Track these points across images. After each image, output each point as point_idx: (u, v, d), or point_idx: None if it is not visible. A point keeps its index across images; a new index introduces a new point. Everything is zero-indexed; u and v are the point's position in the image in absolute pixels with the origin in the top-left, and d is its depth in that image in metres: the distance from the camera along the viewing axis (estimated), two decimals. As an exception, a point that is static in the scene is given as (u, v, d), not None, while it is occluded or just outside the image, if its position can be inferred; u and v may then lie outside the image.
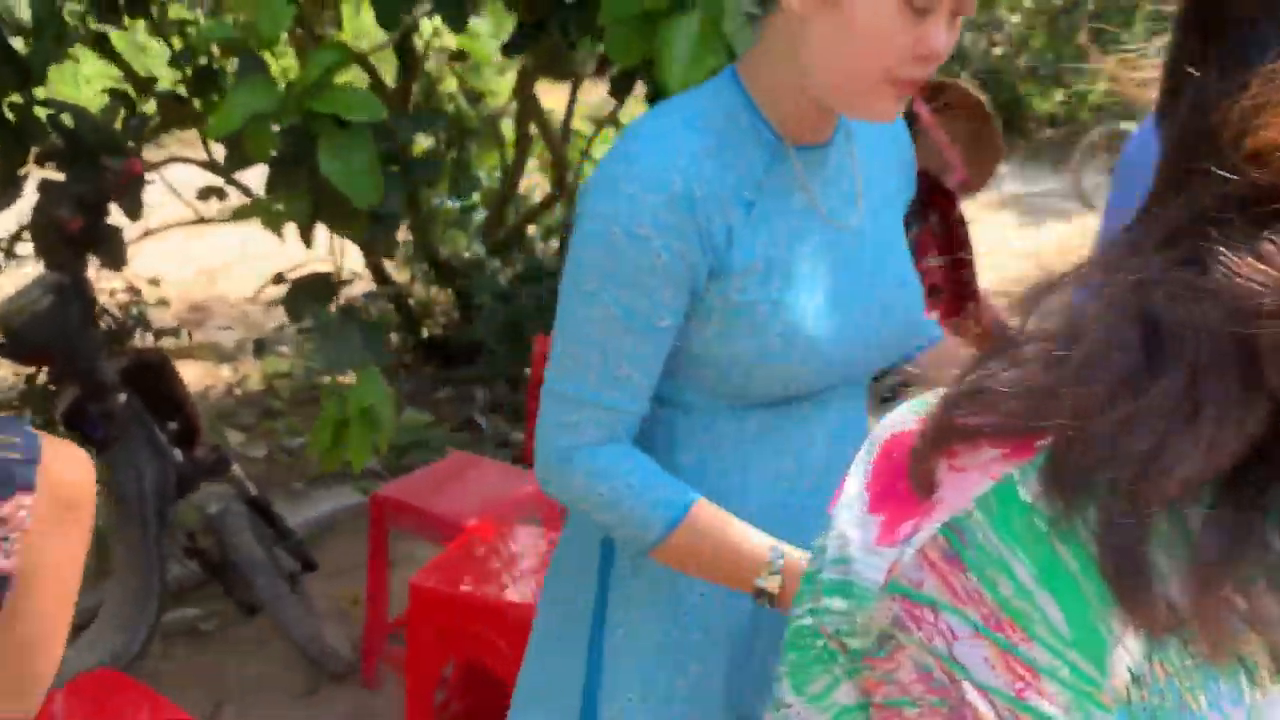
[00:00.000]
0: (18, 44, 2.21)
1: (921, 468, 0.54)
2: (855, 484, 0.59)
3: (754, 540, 1.12)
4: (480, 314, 4.49)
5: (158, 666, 2.81)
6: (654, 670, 1.24)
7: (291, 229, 2.60)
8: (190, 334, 4.21)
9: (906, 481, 0.55)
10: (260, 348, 3.99)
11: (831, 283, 1.17)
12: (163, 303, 3.75)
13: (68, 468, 0.79)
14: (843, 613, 0.56)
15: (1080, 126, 9.28)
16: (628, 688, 1.25)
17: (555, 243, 4.83)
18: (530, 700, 1.36)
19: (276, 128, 2.15)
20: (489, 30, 6.28)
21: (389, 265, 4.63)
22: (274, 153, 2.21)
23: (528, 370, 4.55)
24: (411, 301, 4.78)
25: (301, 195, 2.40)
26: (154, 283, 3.85)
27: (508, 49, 3.19)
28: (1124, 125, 8.56)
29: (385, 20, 2.39)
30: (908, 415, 0.60)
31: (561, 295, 1.15)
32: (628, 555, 1.22)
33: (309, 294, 2.79)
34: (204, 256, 6.21)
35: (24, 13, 2.02)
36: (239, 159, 2.49)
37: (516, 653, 2.09)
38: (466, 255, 4.88)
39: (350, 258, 3.71)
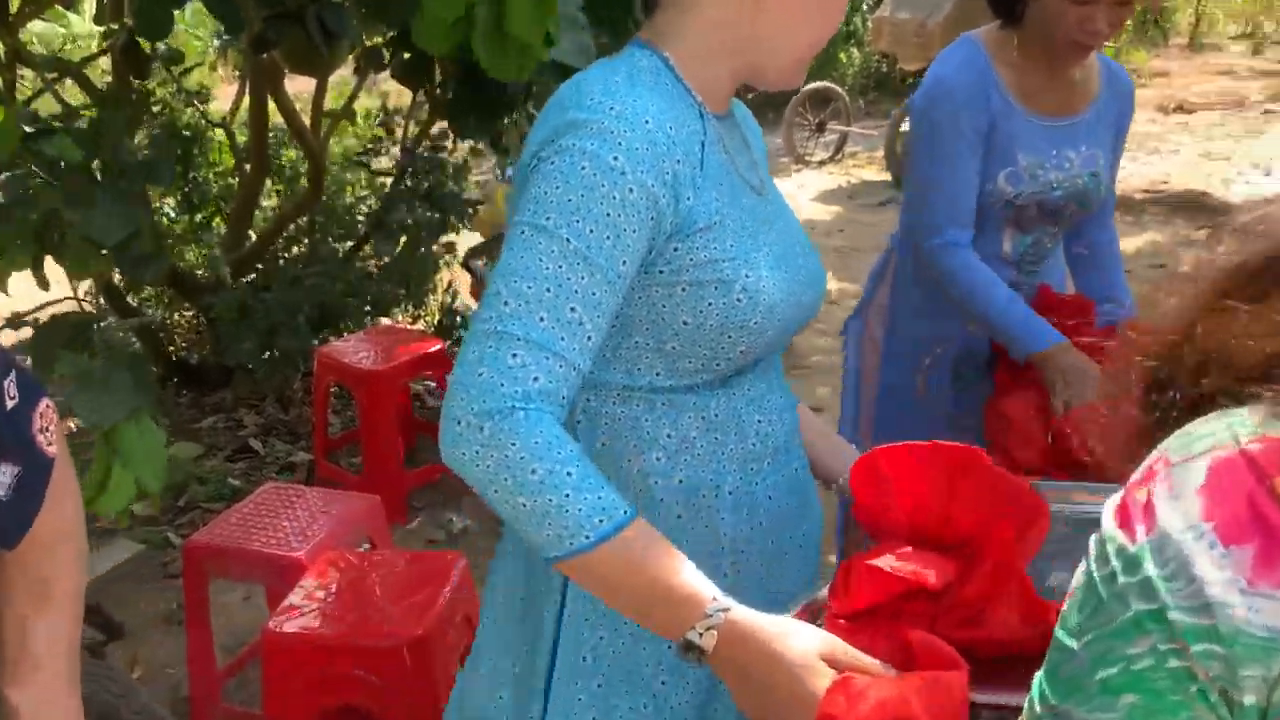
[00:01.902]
0: None
1: None
2: (1179, 515, 0.53)
3: (692, 581, 0.99)
4: (229, 332, 4.16)
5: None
6: (620, 694, 1.19)
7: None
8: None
9: (1273, 510, 0.51)
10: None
11: (766, 242, 1.18)
12: None
13: None
14: (1222, 658, 0.51)
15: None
16: (584, 714, 1.19)
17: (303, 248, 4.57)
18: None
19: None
20: (188, 24, 5.82)
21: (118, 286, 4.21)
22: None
23: (299, 386, 4.31)
24: (152, 325, 4.38)
25: (21, 235, 2.13)
26: None
27: (257, 44, 2.97)
28: (822, 84, 9.07)
29: (150, 32, 2.15)
30: (1220, 437, 0.55)
31: (511, 236, 1.06)
32: (540, 557, 1.04)
33: (59, 340, 2.48)
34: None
35: None
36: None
37: (393, 687, 1.99)
38: (203, 271, 4.52)
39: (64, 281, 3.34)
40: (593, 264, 1.03)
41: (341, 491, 2.70)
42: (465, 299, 4.92)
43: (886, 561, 1.00)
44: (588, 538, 0.97)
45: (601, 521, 0.97)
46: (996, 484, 1.03)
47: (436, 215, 4.51)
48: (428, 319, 4.92)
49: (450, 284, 5.00)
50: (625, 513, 0.99)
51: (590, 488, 0.98)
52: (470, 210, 4.61)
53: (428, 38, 1.88)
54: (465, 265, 4.67)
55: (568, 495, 0.97)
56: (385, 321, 4.59)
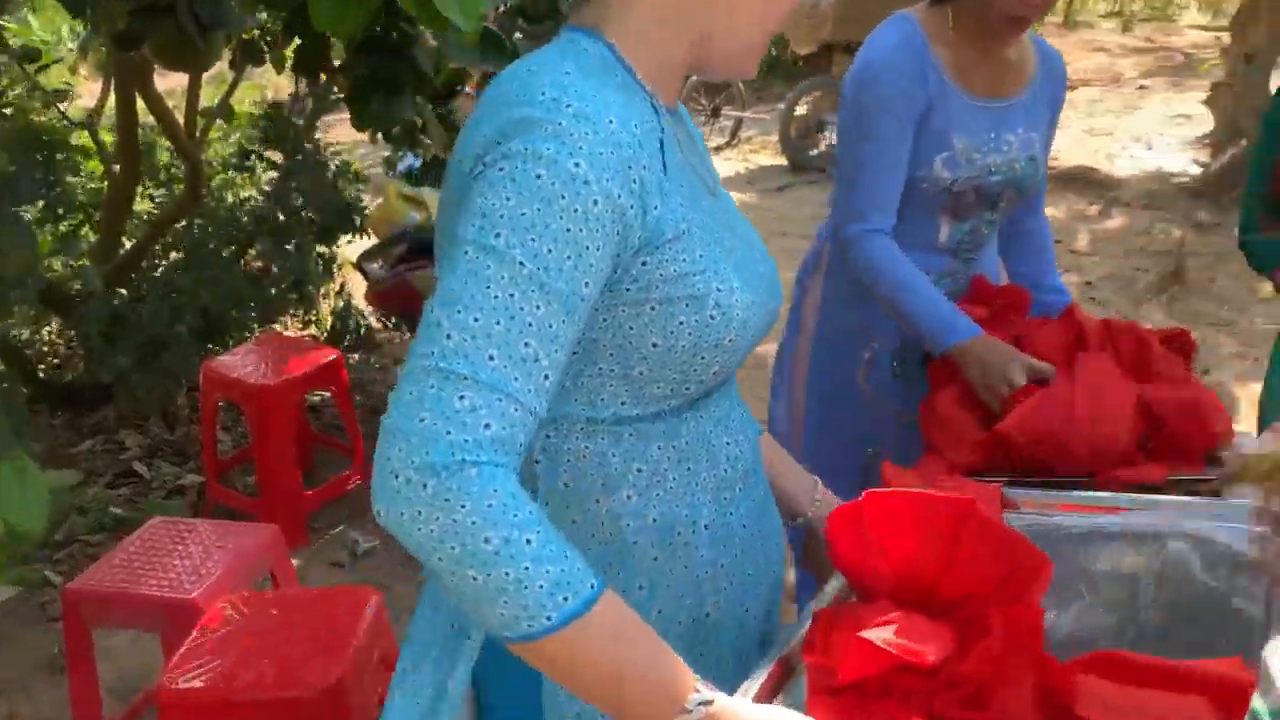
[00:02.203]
0: None
1: None
2: None
3: (670, 668, 0.87)
4: (102, 347, 3.86)
5: None
6: None
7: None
8: None
9: None
10: None
11: (729, 249, 1.06)
12: None
13: None
14: None
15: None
16: None
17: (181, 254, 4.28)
18: None
19: None
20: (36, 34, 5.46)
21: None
22: None
23: (184, 402, 4.05)
24: (16, 342, 4.06)
25: None
26: None
27: (124, 41, 2.72)
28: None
29: None
30: None
31: (453, 256, 0.90)
32: (493, 636, 0.89)
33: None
34: None
35: None
36: None
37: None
38: (78, 283, 4.20)
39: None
40: (550, 290, 0.88)
41: (236, 523, 2.49)
42: (359, 303, 4.70)
43: (878, 634, 0.88)
44: (549, 619, 0.82)
45: (566, 599, 0.83)
46: (993, 536, 0.92)
47: (321, 215, 4.28)
48: (319, 325, 4.68)
49: (343, 286, 4.76)
50: (592, 587, 0.85)
51: (552, 557, 0.83)
52: (356, 213, 4.39)
53: (324, 22, 1.69)
54: (358, 267, 4.44)
55: (526, 568, 0.82)
56: (274, 329, 4.35)
